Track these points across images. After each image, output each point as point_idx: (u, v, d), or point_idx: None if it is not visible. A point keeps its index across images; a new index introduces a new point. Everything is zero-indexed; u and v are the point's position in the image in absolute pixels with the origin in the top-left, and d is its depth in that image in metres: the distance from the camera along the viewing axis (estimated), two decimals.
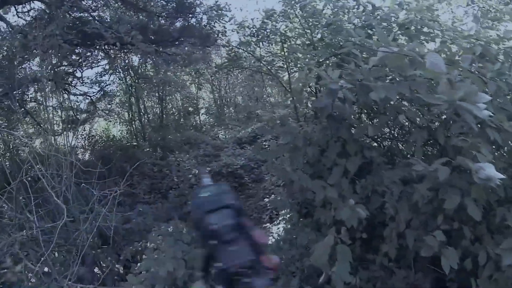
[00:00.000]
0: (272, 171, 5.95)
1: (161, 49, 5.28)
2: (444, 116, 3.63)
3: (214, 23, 5.60)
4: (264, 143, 9.90)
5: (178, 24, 6.10)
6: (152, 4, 5.76)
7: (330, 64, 4.33)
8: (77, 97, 9.45)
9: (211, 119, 14.60)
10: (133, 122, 11.40)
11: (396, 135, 4.55)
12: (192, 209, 1.33)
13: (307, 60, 4.43)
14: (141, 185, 7.31)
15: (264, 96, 14.28)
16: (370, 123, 4.13)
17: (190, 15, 5.82)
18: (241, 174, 8.10)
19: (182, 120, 13.33)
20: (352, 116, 4.09)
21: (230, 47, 5.70)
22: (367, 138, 4.32)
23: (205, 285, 1.41)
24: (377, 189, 3.52)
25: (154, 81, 10.65)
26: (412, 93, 2.82)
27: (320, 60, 4.30)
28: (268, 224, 5.91)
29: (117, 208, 4.82)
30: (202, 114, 14.63)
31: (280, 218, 5.60)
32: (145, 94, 11.80)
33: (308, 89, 4.66)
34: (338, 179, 3.58)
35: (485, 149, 2.43)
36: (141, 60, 9.42)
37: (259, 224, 5.98)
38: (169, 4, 5.82)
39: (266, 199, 6.80)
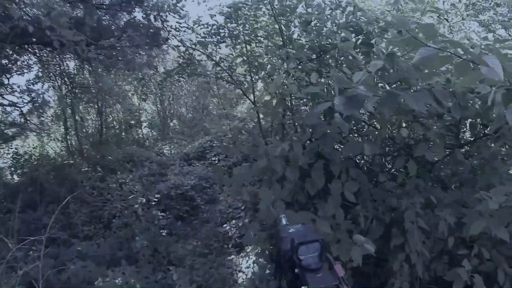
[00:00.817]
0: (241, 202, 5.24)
1: (98, 46, 4.14)
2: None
3: (166, 17, 4.57)
4: (214, 158, 9.17)
5: (122, 21, 5.12)
6: None
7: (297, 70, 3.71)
8: (5, 108, 8.10)
9: (154, 133, 13.51)
10: (68, 138, 10.01)
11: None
12: (282, 240, 1.42)
13: (280, 62, 3.80)
14: (79, 214, 6.13)
15: (211, 106, 13.55)
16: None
17: (136, 7, 4.85)
18: (192, 196, 7.23)
19: (123, 134, 12.10)
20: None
21: (185, 49, 4.81)
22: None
23: None
24: (381, 217, 2.97)
25: (93, 90, 9.39)
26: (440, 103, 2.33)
27: (298, 63, 3.66)
28: (233, 256, 5.07)
29: (50, 250, 3.86)
30: (145, 127, 13.48)
31: (248, 250, 4.84)
32: (83, 105, 10.47)
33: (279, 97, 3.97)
34: (333, 210, 2.96)
35: None
36: (77, 65, 8.15)
37: (221, 255, 5.16)
38: None
39: (226, 225, 6.00)
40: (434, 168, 3.89)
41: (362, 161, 4.17)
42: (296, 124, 4.09)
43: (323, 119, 3.00)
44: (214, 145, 9.94)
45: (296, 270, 1.34)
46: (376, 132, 3.52)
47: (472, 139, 3.31)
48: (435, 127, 3.29)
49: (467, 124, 3.43)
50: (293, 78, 3.50)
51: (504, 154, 3.18)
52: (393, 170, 3.89)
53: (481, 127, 3.11)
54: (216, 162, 8.91)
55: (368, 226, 3.10)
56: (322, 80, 3.72)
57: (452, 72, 2.62)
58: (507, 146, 2.88)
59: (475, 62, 1.78)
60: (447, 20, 6.15)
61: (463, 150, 3.33)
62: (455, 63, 1.96)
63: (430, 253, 2.99)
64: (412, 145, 3.57)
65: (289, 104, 3.81)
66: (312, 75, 3.18)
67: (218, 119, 12.04)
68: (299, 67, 3.75)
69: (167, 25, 4.64)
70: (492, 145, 3.16)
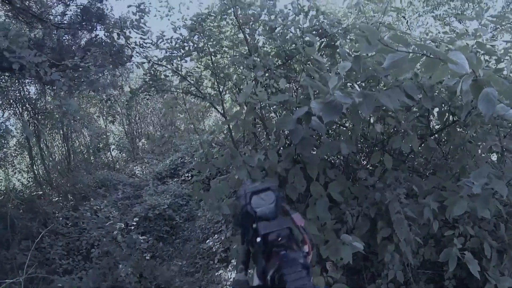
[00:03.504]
0: (221, 215, 5.14)
1: (54, 67, 3.90)
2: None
3: (130, 33, 4.39)
4: (187, 174, 9.06)
5: (83, 41, 4.93)
6: (49, 11, 4.46)
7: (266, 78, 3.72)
8: None
9: (123, 154, 13.17)
10: (35, 168, 9.52)
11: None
12: (239, 198, 1.41)
13: (247, 71, 3.79)
14: (55, 248, 5.76)
15: (178, 122, 13.34)
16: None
17: (98, 25, 4.67)
18: (170, 215, 7.12)
19: (92, 158, 11.69)
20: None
21: (150, 65, 4.69)
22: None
23: (246, 277, 1.41)
24: (367, 212, 3.03)
25: (57, 115, 8.99)
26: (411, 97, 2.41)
27: (266, 71, 3.67)
28: (221, 271, 4.97)
29: None
30: (113, 149, 13.11)
31: (235, 263, 4.77)
32: (47, 131, 10.02)
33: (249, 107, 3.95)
34: (322, 213, 2.97)
35: None
36: (38, 90, 7.75)
37: (208, 272, 5.06)
38: (70, 10, 4.58)
39: (209, 241, 5.90)
40: (408, 159, 4.01)
41: (337, 161, 4.23)
42: (267, 131, 4.09)
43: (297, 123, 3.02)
44: (185, 161, 9.85)
45: (254, 225, 1.32)
46: (349, 132, 3.59)
47: (442, 127, 3.43)
48: (404, 120, 3.38)
49: (435, 114, 3.57)
50: (262, 86, 3.51)
51: (473, 138, 3.32)
52: (368, 165, 3.97)
53: (449, 114, 3.24)
54: (189, 178, 8.82)
55: (354, 223, 3.14)
56: (289, 86, 3.76)
57: (420, 68, 2.73)
58: (476, 130, 3.01)
59: (443, 60, 1.85)
60: (404, 17, 6.40)
61: (433, 137, 3.44)
62: (423, 61, 2.04)
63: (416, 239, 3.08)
64: (384, 140, 3.66)
65: (259, 112, 3.81)
66: (281, 81, 3.20)
67: (187, 135, 11.87)
68: (266, 74, 3.77)
69: (131, 42, 4.48)
70: (462, 130, 3.31)
